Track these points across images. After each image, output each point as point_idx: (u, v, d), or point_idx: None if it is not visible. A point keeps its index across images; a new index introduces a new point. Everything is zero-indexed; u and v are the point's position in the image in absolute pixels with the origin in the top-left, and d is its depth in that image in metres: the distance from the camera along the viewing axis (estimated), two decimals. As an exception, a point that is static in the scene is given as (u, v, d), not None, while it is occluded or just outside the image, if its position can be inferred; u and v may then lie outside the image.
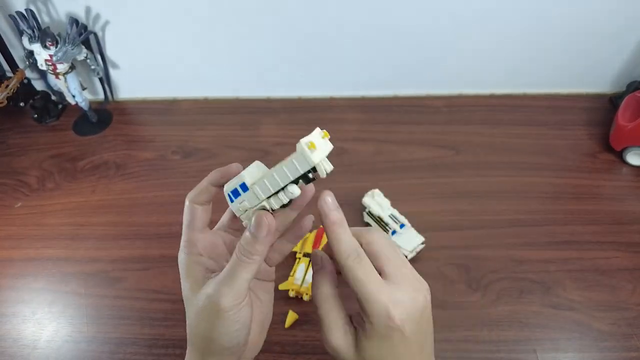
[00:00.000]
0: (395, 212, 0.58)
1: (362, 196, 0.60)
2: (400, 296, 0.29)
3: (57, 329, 0.53)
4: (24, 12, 0.65)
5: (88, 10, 0.70)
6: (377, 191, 0.60)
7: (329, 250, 0.32)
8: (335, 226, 0.30)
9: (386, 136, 0.74)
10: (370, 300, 0.28)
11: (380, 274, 0.29)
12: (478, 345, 0.49)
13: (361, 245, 0.31)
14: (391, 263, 0.30)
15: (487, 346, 0.49)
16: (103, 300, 0.55)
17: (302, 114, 0.79)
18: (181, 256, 0.33)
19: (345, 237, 0.30)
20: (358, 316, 0.30)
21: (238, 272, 0.29)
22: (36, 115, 0.78)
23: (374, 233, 0.31)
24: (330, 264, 0.33)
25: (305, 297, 0.52)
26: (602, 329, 0.50)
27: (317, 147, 0.29)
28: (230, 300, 0.29)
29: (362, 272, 0.29)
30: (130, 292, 0.56)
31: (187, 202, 0.33)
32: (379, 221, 0.58)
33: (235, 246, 0.31)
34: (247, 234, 0.30)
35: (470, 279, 0.55)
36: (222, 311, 0.29)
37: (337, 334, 0.30)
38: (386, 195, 0.60)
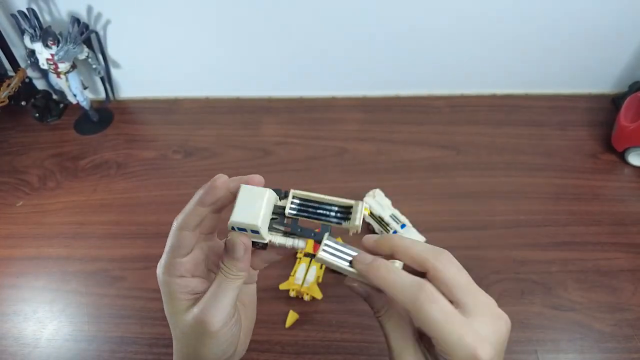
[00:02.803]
0: (397, 212, 0.58)
1: (363, 196, 0.59)
2: (484, 330, 0.25)
3: (58, 328, 0.53)
4: (26, 11, 0.65)
5: (89, 10, 0.70)
6: (378, 191, 0.60)
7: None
8: (382, 272, 0.27)
9: (387, 136, 0.74)
10: (453, 343, 0.24)
11: (451, 302, 0.26)
12: (479, 346, 0.49)
13: (425, 272, 0.27)
14: (466, 290, 0.26)
15: (488, 347, 0.49)
16: (104, 299, 0.55)
17: (303, 113, 0.79)
18: (161, 277, 0.30)
19: (400, 279, 0.26)
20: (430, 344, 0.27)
21: (223, 291, 0.29)
22: (37, 114, 0.78)
23: (442, 256, 0.27)
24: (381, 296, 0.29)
25: (306, 297, 0.52)
26: (603, 330, 0.50)
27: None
28: (219, 321, 0.28)
29: (437, 312, 0.25)
30: (131, 291, 0.56)
31: (174, 227, 0.30)
32: (380, 221, 0.58)
33: (213, 252, 0.32)
34: (229, 255, 0.29)
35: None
36: (211, 332, 0.28)
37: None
38: (387, 195, 0.60)
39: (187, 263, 0.30)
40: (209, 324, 0.28)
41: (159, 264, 0.30)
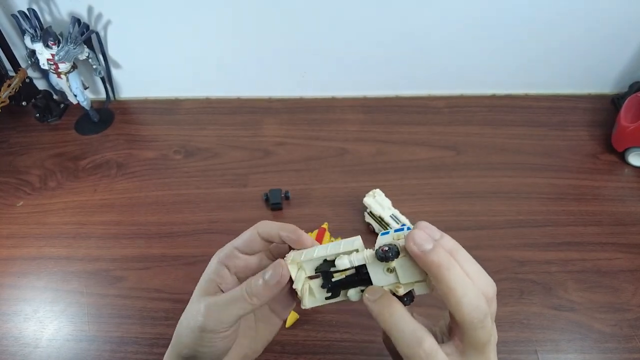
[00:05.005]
0: (397, 212, 0.58)
1: (363, 196, 0.59)
2: None
3: (59, 328, 0.53)
4: (26, 12, 0.66)
5: (90, 10, 0.71)
6: (378, 191, 0.60)
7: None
8: (385, 314, 0.27)
9: (387, 136, 0.74)
10: None
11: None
12: (479, 346, 0.49)
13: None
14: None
15: (488, 347, 0.49)
16: (104, 299, 0.55)
17: (303, 114, 0.79)
18: (213, 260, 0.32)
19: (402, 325, 0.26)
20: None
21: (233, 305, 0.29)
22: (38, 115, 0.78)
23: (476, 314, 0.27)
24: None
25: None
26: (603, 331, 0.50)
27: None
28: (212, 325, 0.29)
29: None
30: (131, 291, 0.56)
31: (253, 230, 0.32)
32: (380, 221, 0.58)
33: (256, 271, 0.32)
34: (259, 276, 0.29)
35: (471, 280, 0.55)
36: (200, 329, 0.29)
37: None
38: (387, 196, 0.60)
39: (242, 260, 0.32)
40: (203, 322, 0.29)
41: (217, 252, 0.33)
